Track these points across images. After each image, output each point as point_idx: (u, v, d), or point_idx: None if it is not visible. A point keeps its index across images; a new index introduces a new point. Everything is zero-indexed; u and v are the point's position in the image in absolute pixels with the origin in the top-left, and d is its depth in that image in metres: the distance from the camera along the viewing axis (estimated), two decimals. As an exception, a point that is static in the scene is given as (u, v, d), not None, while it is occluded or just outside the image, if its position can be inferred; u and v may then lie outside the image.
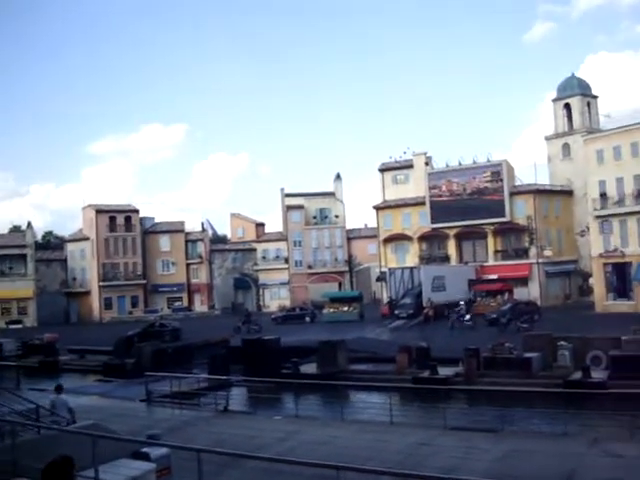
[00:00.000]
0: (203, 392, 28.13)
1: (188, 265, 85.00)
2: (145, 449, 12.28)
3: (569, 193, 66.85)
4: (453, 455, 16.52)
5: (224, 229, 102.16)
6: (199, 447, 10.95)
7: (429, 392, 26.19)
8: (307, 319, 61.11)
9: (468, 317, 47.84)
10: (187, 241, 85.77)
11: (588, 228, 58.54)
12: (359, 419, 22.07)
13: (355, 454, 15.96)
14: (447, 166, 68.21)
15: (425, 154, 74.64)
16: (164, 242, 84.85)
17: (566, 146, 69.12)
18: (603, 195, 55.41)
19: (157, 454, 12.13)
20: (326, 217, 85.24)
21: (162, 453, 12.25)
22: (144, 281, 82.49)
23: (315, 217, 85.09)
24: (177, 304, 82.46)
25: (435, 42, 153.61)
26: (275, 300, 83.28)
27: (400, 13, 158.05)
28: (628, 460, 15.73)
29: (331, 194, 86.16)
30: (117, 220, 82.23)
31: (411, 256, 70.10)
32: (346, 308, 60.60)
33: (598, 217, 55.91)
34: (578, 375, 28.23)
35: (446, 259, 67.96)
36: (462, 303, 50.60)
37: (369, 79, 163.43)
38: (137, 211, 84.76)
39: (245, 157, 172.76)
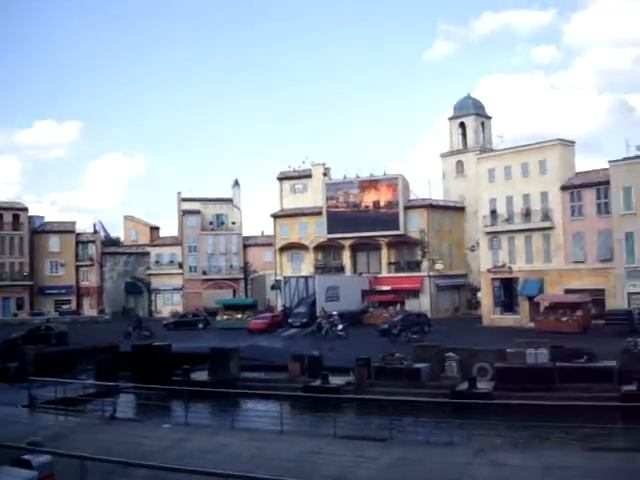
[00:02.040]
0: (89, 399, 27.32)
1: (78, 267, 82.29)
2: (26, 456, 11.99)
3: (461, 209, 68.86)
4: (342, 464, 16.62)
5: (117, 231, 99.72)
6: (83, 455, 10.57)
7: (320, 401, 26.29)
8: (200, 326, 60.24)
9: (341, 327, 48.53)
10: (78, 242, 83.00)
11: (478, 244, 60.39)
12: (249, 427, 21.89)
13: (244, 462, 15.81)
14: (345, 178, 68.98)
15: (323, 165, 75.36)
16: (53, 243, 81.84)
17: (460, 163, 71.21)
18: (493, 212, 57.31)
19: (39, 461, 11.88)
20: (223, 223, 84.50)
21: (44, 460, 12.00)
22: (31, 282, 79.33)
23: (212, 223, 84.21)
24: (65, 307, 79.63)
25: (338, 54, 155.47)
26: (168, 306, 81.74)
27: (303, 23, 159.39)
28: (511, 469, 16.23)
29: (229, 200, 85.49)
30: (4, 218, 78.77)
31: (306, 265, 70.45)
32: (240, 315, 60.22)
33: (488, 233, 57.79)
34: (465, 385, 29.03)
35: (341, 269, 68.62)
36: (335, 313, 51.11)
37: (273, 87, 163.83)
38: (26, 209, 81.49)
39: (141, 159, 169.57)
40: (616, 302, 48.83)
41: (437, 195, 70.77)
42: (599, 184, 51.21)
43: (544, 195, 54.41)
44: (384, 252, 66.58)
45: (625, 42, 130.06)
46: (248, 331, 53.02)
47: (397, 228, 65.17)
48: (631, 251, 48.67)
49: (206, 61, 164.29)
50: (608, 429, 20.10)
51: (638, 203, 48.23)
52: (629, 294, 48.57)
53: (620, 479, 15.26)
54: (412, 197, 67.79)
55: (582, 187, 52.65)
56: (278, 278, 69.51)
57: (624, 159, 49.86)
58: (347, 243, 67.81)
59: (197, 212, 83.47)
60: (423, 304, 62.76)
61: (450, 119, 73.80)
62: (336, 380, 31.18)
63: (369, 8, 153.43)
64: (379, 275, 66.18)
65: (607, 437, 20.04)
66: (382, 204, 66.02)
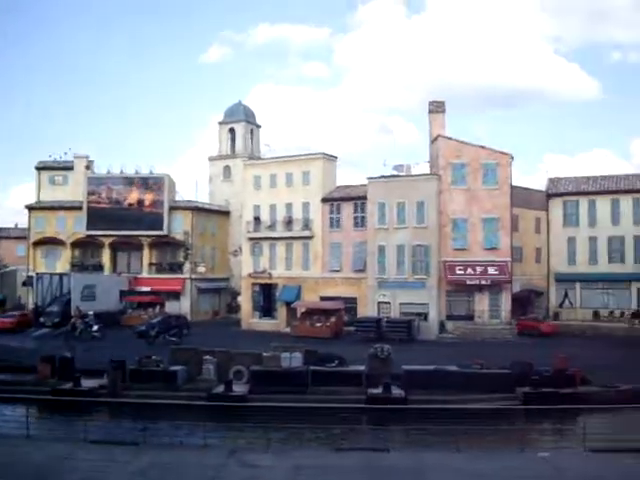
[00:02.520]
0: None
1: None
2: None
3: (226, 213, 69.32)
4: (92, 469, 15.98)
5: None
6: None
7: (71, 404, 25.10)
8: None
9: (96, 328, 47.18)
10: None
11: (241, 249, 61.20)
12: (-9, 432, 20.33)
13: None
14: (109, 173, 66.54)
15: (87, 157, 71.84)
16: None
17: (227, 168, 71.76)
18: (257, 219, 58.38)
19: None
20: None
21: None
22: None
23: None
24: None
25: (114, 52, 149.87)
26: None
27: (89, 17, 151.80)
28: (263, 470, 16.54)
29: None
30: None
31: (62, 262, 66.87)
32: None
33: (251, 239, 58.76)
34: (221, 388, 29.19)
35: (100, 268, 65.97)
36: (91, 313, 49.57)
37: (40, 74, 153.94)
38: None
39: None
40: (367, 310, 51.84)
41: (204, 198, 70.78)
42: (357, 198, 54.11)
43: (306, 205, 56.42)
44: (146, 252, 65.10)
45: (387, 67, 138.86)
46: (-7, 330, 49.29)
47: (161, 228, 64.05)
48: (382, 263, 51.88)
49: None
50: (356, 430, 21.20)
51: (391, 218, 51.58)
52: (379, 303, 51.75)
53: (364, 476, 16.10)
54: (178, 198, 67.02)
55: (342, 200, 55.34)
56: (30, 274, 65.43)
57: (381, 177, 53.14)
58: (107, 241, 65.40)
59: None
60: (183, 306, 62.24)
61: (220, 124, 74.18)
62: (89, 383, 29.95)
63: (152, 7, 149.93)
64: (139, 276, 64.58)
65: (355, 437, 21.14)
66: (147, 203, 64.53)
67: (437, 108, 53.56)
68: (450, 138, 51.68)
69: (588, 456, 17.88)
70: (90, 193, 65.55)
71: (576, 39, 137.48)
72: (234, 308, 65.53)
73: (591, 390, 29.18)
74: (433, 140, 52.96)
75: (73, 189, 68.88)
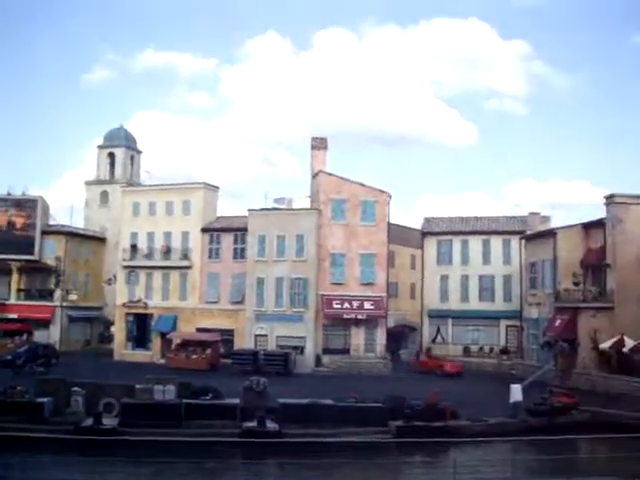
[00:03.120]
0: None
1: None
2: None
3: (102, 240, 67.33)
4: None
5: None
6: None
7: None
8: None
9: None
10: None
11: (115, 277, 59.61)
12: None
13: None
14: (-22, 193, 63.32)
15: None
16: None
17: (105, 194, 70.06)
18: (134, 247, 57.14)
19: None
20: None
21: None
22: None
23: None
24: None
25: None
26: None
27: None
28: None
29: None
30: None
31: None
32: None
33: (126, 267, 57.38)
34: (90, 421, 28.13)
35: (-38, 293, 62.52)
36: None
37: None
38: None
39: None
40: (244, 342, 51.58)
41: (79, 224, 68.54)
42: (238, 230, 54.07)
43: (185, 235, 55.84)
44: (14, 277, 62.15)
45: (272, 100, 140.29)
46: None
47: (32, 253, 61.38)
48: (261, 295, 51.91)
49: None
50: (230, 464, 20.90)
51: (270, 251, 51.76)
52: (256, 335, 51.63)
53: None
54: (52, 222, 64.58)
55: (222, 231, 55.16)
56: None
57: (262, 209, 53.41)
58: (-27, 265, 62.11)
59: None
60: (53, 335, 59.61)
61: (100, 147, 72.54)
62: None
63: (36, 17, 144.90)
64: (7, 302, 61.52)
65: (229, 471, 20.84)
66: (18, 226, 61.75)
67: (319, 144, 54.46)
68: (331, 174, 52.63)
69: (458, 488, 18.35)
70: (-44, 213, 62.04)
71: (455, 85, 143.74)
72: (107, 338, 63.47)
73: (460, 424, 30.09)
74: (314, 175, 53.77)
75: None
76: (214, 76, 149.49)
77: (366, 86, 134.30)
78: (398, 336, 56.88)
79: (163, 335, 54.71)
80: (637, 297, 41.16)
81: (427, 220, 61.27)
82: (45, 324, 60.35)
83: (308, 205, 53.88)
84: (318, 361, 49.84)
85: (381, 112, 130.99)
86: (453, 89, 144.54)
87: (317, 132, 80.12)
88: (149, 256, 56.63)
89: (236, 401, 30.68)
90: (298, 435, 26.47)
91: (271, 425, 28.32)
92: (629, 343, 39.28)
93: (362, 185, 52.13)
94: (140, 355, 54.87)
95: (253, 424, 28.17)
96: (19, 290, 62.08)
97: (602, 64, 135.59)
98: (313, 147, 54.60)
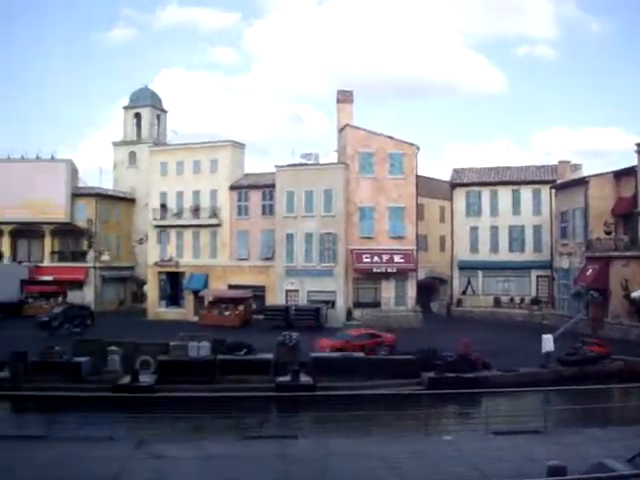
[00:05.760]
0: None
1: None
2: None
3: (132, 201, 67.82)
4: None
5: None
6: None
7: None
8: None
9: None
10: None
11: (147, 237, 60.15)
12: None
13: None
14: (9, 158, 63.96)
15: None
16: None
17: (133, 154, 70.19)
18: (164, 206, 57.52)
19: None
20: None
21: None
22: None
23: None
24: None
25: (17, 26, 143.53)
26: None
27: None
28: (171, 461, 16.40)
29: None
30: None
31: (-42, 251, 64.13)
32: None
33: (157, 227, 57.87)
34: (127, 379, 28.72)
35: (-1, 257, 63.65)
36: None
37: None
38: None
39: None
40: (275, 298, 51.96)
41: (108, 185, 68.98)
42: (265, 187, 54.03)
43: (213, 193, 56.03)
44: (47, 240, 63.14)
45: (297, 54, 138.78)
46: None
47: (63, 215, 62.12)
48: (290, 251, 52.06)
49: None
50: (265, 418, 21.27)
51: (299, 207, 51.78)
52: (287, 291, 51.93)
53: (273, 464, 16.19)
54: (81, 185, 65.13)
55: (250, 188, 55.18)
56: None
57: (289, 165, 53.26)
58: (7, 229, 63.06)
59: None
60: (87, 296, 60.67)
61: (125, 108, 72.42)
62: (-13, 375, 28.94)
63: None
64: (41, 264, 62.59)
65: (264, 425, 21.22)
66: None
67: (345, 97, 53.99)
68: (358, 127, 52.24)
69: (490, 438, 18.51)
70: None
71: (484, 32, 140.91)
72: (140, 297, 64.32)
73: (492, 374, 30.23)
74: (341, 129, 53.42)
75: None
76: (238, 31, 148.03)
77: (392, 35, 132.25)
78: (428, 288, 56.96)
79: (195, 293, 55.35)
80: (670, 244, 40.73)
81: (456, 171, 60.69)
82: (79, 285, 61.39)
83: (335, 160, 53.62)
84: (349, 315, 50.10)
85: (407, 61, 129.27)
86: (482, 36, 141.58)
87: (342, 85, 79.56)
88: (179, 215, 57.02)
89: (269, 356, 31.08)
90: (331, 388, 26.77)
91: (305, 379, 28.71)
92: (661, 291, 39.02)
93: (390, 138, 51.69)
94: (173, 313, 55.65)
95: (287, 378, 28.57)
96: (53, 252, 63.11)
97: (636, 7, 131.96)
98: (339, 101, 54.13)
